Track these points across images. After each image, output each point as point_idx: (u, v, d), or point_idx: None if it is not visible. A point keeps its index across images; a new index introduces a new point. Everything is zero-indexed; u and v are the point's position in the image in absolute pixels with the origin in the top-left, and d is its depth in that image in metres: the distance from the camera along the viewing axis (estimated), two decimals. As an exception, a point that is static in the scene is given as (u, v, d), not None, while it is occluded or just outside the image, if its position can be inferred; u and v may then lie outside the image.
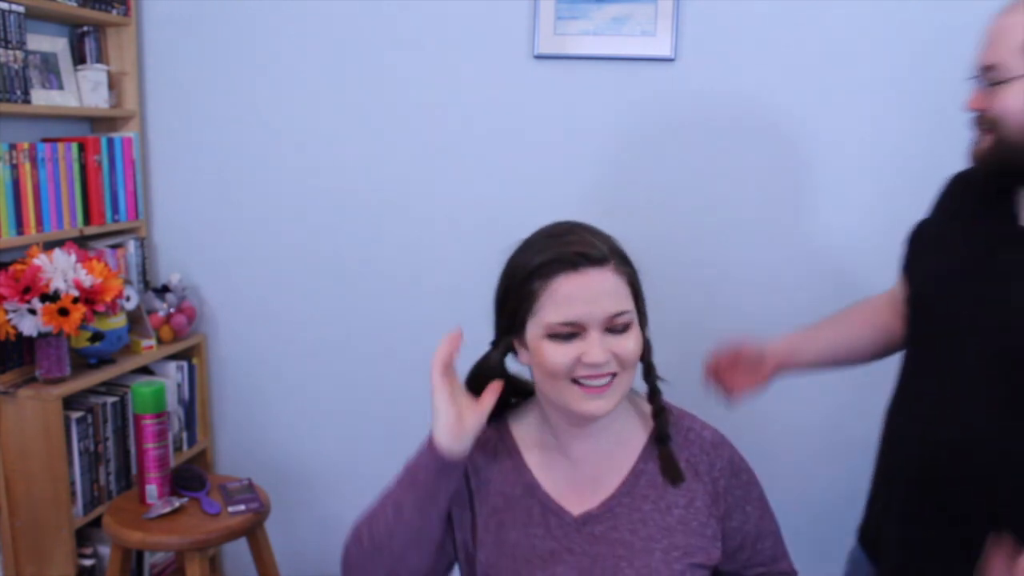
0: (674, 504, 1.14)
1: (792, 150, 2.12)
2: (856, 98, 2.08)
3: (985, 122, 1.18)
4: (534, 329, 1.09)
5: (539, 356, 1.08)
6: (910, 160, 2.08)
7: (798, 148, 2.12)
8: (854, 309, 1.53)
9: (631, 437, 1.18)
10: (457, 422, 1.06)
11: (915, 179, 2.08)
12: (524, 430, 1.20)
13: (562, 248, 1.08)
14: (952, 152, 2.04)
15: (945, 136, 2.05)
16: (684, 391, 1.30)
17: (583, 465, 1.16)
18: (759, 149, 2.13)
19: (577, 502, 1.15)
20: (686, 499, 1.14)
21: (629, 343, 1.08)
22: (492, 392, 1.11)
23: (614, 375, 1.08)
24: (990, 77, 1.16)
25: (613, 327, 1.07)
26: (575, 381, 1.07)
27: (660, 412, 1.17)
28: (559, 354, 1.06)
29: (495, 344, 1.15)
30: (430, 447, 1.07)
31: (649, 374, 1.17)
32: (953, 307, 1.22)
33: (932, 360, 1.25)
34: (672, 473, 1.14)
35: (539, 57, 2.16)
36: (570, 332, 1.07)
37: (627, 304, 1.09)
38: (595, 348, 1.06)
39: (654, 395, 1.17)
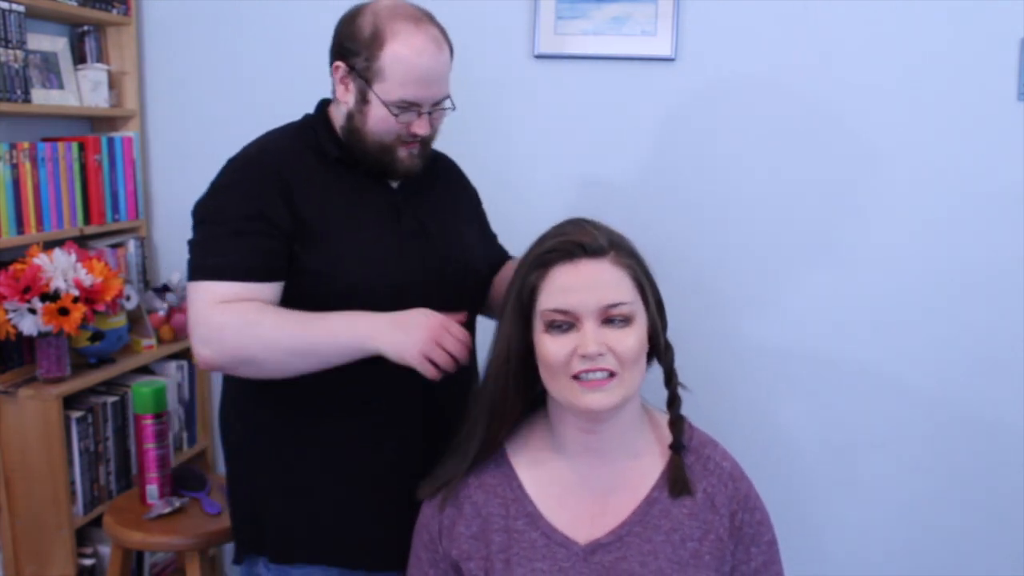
0: (688, 537, 1.08)
1: (792, 149, 2.12)
2: (856, 97, 2.07)
3: (425, 140, 1.42)
4: (537, 325, 1.07)
5: (540, 351, 1.07)
6: (911, 158, 2.08)
7: (798, 147, 2.12)
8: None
9: (646, 460, 1.13)
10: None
11: (915, 177, 2.10)
12: (527, 452, 1.15)
13: (560, 239, 1.08)
14: (952, 152, 2.06)
15: (946, 136, 2.06)
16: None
17: (592, 483, 1.11)
18: (759, 149, 2.13)
19: (584, 529, 1.10)
20: (701, 531, 1.09)
21: (628, 339, 1.04)
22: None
23: (613, 374, 1.04)
24: (439, 103, 1.39)
25: (610, 318, 1.04)
26: (575, 378, 1.04)
27: (677, 421, 1.13)
28: (555, 346, 1.05)
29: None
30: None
31: (669, 380, 1.14)
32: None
33: None
34: (678, 485, 1.09)
35: (539, 57, 2.15)
36: (564, 321, 1.04)
37: (626, 296, 1.05)
38: (588, 338, 1.03)
39: (673, 402, 1.14)
